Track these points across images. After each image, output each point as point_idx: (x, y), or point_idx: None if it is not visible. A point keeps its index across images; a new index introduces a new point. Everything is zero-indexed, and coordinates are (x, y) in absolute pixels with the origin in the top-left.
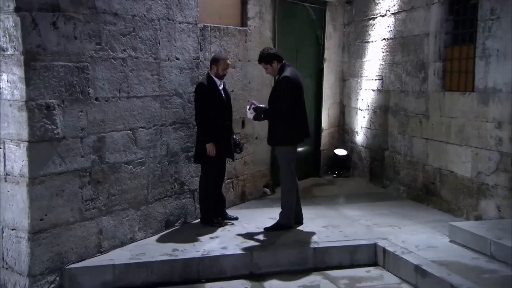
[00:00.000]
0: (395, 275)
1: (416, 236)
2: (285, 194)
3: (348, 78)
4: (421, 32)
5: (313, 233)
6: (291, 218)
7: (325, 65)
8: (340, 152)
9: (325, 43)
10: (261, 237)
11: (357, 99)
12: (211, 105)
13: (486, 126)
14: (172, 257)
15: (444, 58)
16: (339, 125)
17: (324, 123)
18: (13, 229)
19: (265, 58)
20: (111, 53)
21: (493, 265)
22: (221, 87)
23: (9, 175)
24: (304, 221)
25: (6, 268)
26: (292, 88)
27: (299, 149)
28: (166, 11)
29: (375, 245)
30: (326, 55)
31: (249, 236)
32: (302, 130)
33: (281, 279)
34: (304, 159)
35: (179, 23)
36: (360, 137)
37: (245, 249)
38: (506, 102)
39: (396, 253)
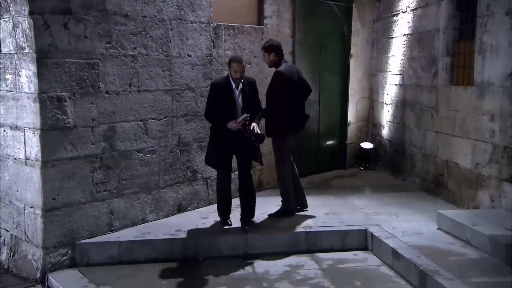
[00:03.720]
0: (379, 258)
1: (408, 224)
2: (281, 181)
3: (376, 73)
4: (433, 28)
5: (311, 219)
6: (292, 202)
7: (352, 61)
8: (366, 145)
9: (352, 39)
10: (261, 221)
11: (383, 93)
12: (217, 105)
13: (482, 119)
14: (173, 236)
15: (451, 53)
16: (368, 119)
17: (351, 117)
18: (31, 207)
19: (267, 47)
20: (121, 50)
21: (465, 250)
22: (238, 89)
23: (28, 159)
24: (309, 208)
25: (27, 241)
26: (284, 82)
27: (328, 142)
28: (177, 12)
29: (365, 231)
30: (353, 51)
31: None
32: (294, 122)
33: (271, 259)
34: (330, 152)
35: (191, 22)
36: (385, 131)
37: (242, 231)
38: (497, 95)
39: (380, 238)
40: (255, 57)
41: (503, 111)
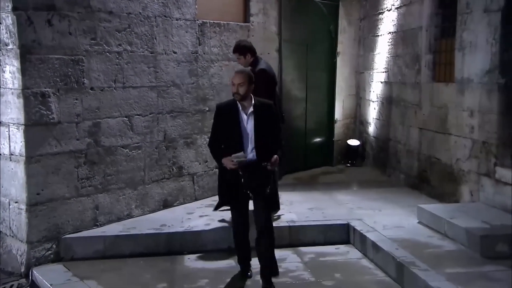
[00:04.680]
0: (360, 251)
1: (390, 218)
2: None
3: (363, 71)
4: (416, 26)
5: (296, 214)
6: None
7: (339, 59)
8: (353, 142)
9: (339, 37)
10: None
11: (370, 91)
12: (221, 134)
13: (462, 115)
14: (158, 231)
15: (434, 51)
16: (355, 117)
17: (338, 115)
18: (16, 202)
19: (240, 49)
20: (106, 47)
21: (442, 242)
22: (247, 113)
23: (12, 154)
24: (292, 203)
25: (12, 236)
26: (267, 81)
27: (315, 139)
28: (162, 9)
29: (348, 225)
30: (339, 49)
31: None
32: None
33: (255, 253)
34: (317, 149)
35: (177, 19)
36: (371, 128)
37: (225, 226)
38: (477, 91)
39: (362, 231)
40: None
41: (482, 107)
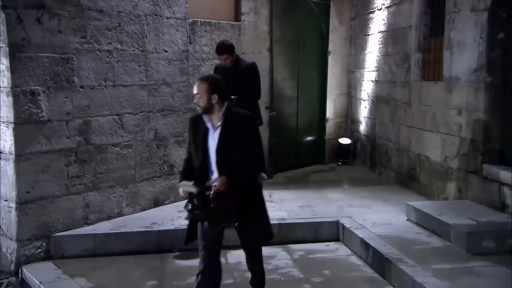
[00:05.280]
0: (349, 248)
1: (379, 215)
2: None
3: (354, 70)
4: (406, 25)
5: (286, 211)
6: None
7: (330, 58)
8: (344, 141)
9: (330, 37)
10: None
11: (361, 90)
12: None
13: (450, 113)
14: (148, 229)
15: (423, 49)
16: (346, 115)
17: (330, 113)
18: (5, 200)
19: (229, 48)
20: (96, 45)
21: (430, 239)
22: (215, 127)
23: (2, 152)
24: (283, 201)
25: (2, 234)
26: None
27: (307, 138)
28: (153, 8)
29: (337, 222)
30: (331, 48)
31: None
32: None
33: None
34: (308, 147)
35: (167, 18)
36: (362, 127)
37: None
38: (464, 90)
39: (351, 228)
40: None
41: (469, 106)
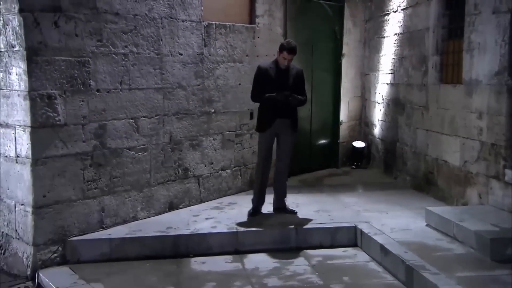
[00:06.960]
0: (368, 254)
1: (397, 220)
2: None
3: (368, 72)
4: (423, 27)
5: (302, 216)
6: (253, 202)
7: (344, 60)
8: (358, 144)
9: (344, 39)
10: (252, 218)
11: (375, 92)
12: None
13: (470, 117)
14: (164, 233)
15: (441, 52)
16: (360, 118)
17: (344, 116)
18: (22, 204)
19: (295, 48)
20: (112, 49)
21: (451, 245)
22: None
23: (19, 156)
24: (299, 206)
25: (18, 239)
26: None
27: (320, 141)
28: (168, 11)
29: (355, 228)
30: (345, 50)
31: (242, 217)
32: None
33: (261, 255)
34: (322, 150)
35: (182, 21)
36: (377, 130)
37: (231, 228)
38: (485, 93)
39: (369, 234)
40: (246, 56)
41: (490, 109)
